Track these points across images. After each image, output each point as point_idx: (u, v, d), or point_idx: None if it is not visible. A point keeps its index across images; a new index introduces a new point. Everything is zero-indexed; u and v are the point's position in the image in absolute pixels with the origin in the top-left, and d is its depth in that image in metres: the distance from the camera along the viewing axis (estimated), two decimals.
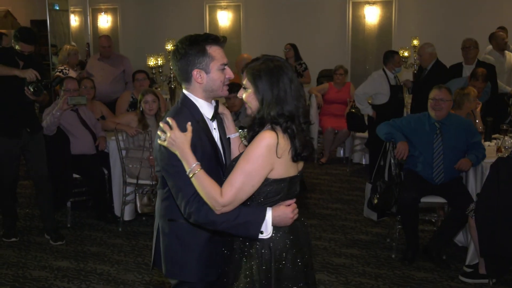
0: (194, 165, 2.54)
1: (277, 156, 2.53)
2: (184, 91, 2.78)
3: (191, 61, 2.66)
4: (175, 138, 2.56)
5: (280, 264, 2.64)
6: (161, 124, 2.62)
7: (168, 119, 2.60)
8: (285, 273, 2.65)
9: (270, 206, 2.62)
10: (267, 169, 2.55)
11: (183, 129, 2.58)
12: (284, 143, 2.56)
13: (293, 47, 9.65)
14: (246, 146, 2.70)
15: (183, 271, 2.79)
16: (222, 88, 2.75)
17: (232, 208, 2.54)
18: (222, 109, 2.88)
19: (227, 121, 2.92)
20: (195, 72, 2.68)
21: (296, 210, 2.66)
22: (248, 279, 2.65)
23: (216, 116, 2.82)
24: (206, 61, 2.67)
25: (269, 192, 2.61)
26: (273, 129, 2.56)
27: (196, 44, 2.66)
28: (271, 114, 2.57)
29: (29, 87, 5.33)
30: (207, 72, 2.68)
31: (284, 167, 2.59)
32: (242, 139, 2.97)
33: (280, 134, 2.55)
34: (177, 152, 2.57)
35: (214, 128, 2.82)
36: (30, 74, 5.33)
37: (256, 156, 2.52)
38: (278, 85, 2.57)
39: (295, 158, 2.60)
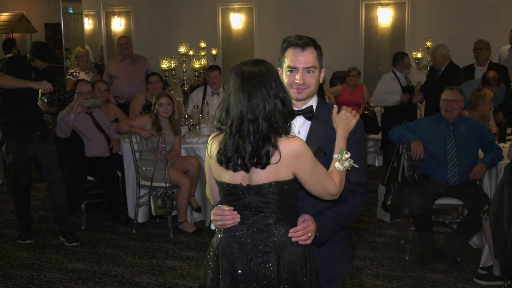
0: None
1: (208, 155, 2.61)
2: None
3: (279, 60, 2.81)
4: None
5: (208, 254, 2.68)
6: None
7: None
8: (206, 264, 2.69)
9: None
10: (208, 166, 2.66)
11: None
12: (215, 144, 2.54)
13: None
14: (338, 170, 2.59)
15: None
16: (290, 90, 2.69)
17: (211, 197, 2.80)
18: (337, 121, 2.71)
19: (337, 136, 2.69)
20: (279, 70, 2.77)
21: (220, 218, 2.55)
22: None
23: (310, 118, 2.74)
24: (282, 62, 2.78)
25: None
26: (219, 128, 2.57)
27: (282, 44, 2.80)
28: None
29: (43, 98, 5.42)
30: (281, 72, 2.77)
31: (215, 169, 2.56)
32: (337, 163, 2.60)
33: (219, 136, 2.55)
34: None
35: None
36: (45, 86, 5.43)
37: None
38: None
39: (217, 160, 2.51)
